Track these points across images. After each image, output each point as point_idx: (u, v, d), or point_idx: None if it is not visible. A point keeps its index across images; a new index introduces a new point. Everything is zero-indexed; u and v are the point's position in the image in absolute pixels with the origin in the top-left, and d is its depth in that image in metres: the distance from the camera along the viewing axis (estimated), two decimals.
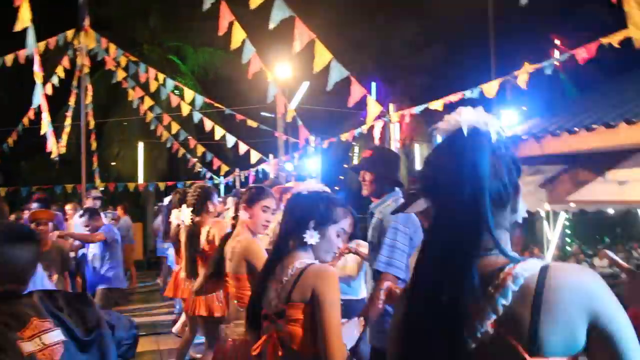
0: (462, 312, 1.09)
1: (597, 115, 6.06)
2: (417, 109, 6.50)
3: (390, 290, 2.89)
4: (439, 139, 1.23)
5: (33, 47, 6.53)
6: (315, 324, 2.00)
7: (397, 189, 3.26)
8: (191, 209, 4.28)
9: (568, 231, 15.55)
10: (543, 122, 7.01)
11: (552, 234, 13.79)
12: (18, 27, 5.91)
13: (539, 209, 11.87)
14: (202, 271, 4.06)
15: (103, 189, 13.19)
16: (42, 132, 7.53)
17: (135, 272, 11.79)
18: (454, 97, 5.55)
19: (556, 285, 1.07)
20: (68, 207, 8.47)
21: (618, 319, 1.07)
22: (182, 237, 4.39)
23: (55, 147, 7.90)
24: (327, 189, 2.27)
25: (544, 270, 1.10)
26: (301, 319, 2.02)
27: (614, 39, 3.93)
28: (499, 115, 5.34)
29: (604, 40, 4.02)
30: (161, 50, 19.61)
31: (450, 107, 6.64)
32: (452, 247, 1.13)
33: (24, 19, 6.15)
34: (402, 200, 2.94)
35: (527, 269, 1.10)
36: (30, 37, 6.54)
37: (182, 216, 4.31)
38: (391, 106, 5.26)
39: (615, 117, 5.60)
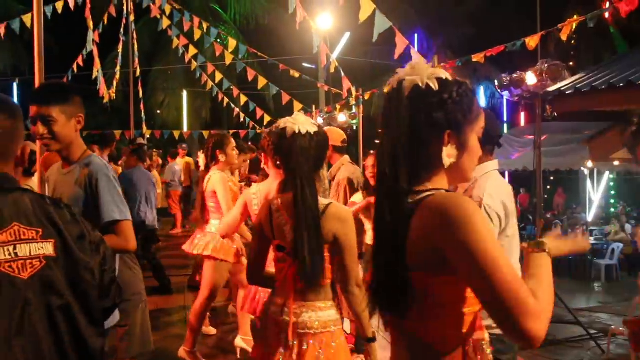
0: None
1: None
2: (459, 61, 6.48)
3: None
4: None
5: None
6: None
7: None
8: (203, 155, 4.42)
9: (612, 192, 15.16)
10: (588, 77, 6.87)
11: (595, 193, 13.52)
12: None
13: (582, 167, 11.64)
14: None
15: (149, 136, 13.61)
16: (93, 77, 7.83)
17: (181, 218, 12.10)
18: (496, 50, 5.51)
19: (424, 206, 1.23)
20: None
21: (467, 249, 1.13)
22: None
23: (107, 92, 8.24)
24: None
25: (429, 195, 1.25)
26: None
27: None
28: (542, 69, 5.29)
29: None
30: None
31: (492, 59, 6.58)
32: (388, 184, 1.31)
33: None
34: None
35: (421, 196, 1.26)
36: None
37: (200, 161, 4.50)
38: (435, 58, 5.28)
39: None
